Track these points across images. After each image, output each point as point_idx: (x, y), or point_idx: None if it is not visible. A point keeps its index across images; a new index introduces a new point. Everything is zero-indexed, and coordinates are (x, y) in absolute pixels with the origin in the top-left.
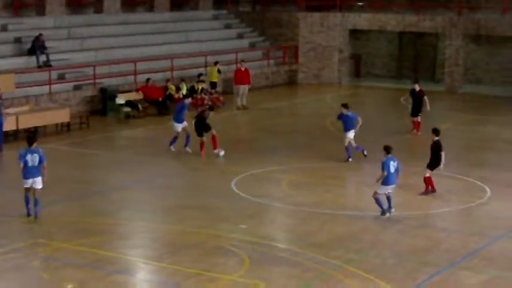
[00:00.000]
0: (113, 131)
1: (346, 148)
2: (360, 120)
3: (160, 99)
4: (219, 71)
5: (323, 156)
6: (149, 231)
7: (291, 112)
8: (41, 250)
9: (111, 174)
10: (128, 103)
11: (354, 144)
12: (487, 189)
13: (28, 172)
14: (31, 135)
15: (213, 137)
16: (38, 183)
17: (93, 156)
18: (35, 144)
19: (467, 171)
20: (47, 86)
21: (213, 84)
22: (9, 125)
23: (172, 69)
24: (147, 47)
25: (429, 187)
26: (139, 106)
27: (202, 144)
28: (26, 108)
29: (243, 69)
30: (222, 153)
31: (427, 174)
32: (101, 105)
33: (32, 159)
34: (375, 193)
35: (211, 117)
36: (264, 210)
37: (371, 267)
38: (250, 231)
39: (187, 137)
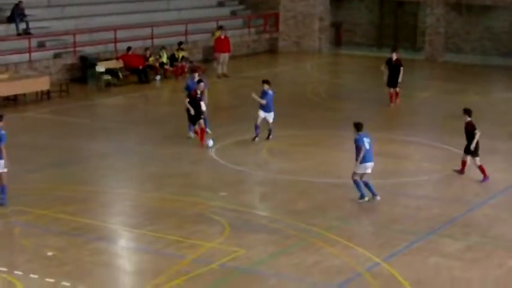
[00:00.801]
0: (93, 99)
1: (256, 126)
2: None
3: (140, 67)
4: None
5: (303, 124)
6: (129, 198)
7: (271, 80)
8: (21, 218)
9: (91, 142)
10: (108, 71)
11: (258, 121)
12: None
13: None
14: None
15: (201, 130)
16: None
17: (73, 124)
18: (1, 123)
19: (447, 140)
20: (27, 54)
21: None
22: None
23: (152, 37)
24: (128, 15)
25: (485, 174)
26: (120, 74)
27: (198, 132)
28: (5, 76)
29: (223, 37)
30: (211, 142)
31: (478, 162)
32: (81, 73)
33: None
34: (354, 174)
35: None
36: (244, 178)
37: (351, 234)
38: (230, 198)
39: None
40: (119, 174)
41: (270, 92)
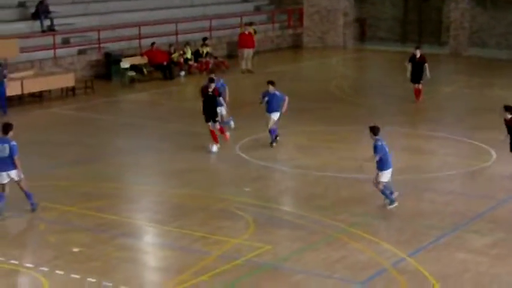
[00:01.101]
0: (118, 95)
1: (270, 131)
2: (287, 100)
3: (165, 63)
4: (254, 32)
5: (328, 119)
6: (154, 194)
7: (295, 76)
8: (46, 214)
9: (116, 138)
10: (133, 67)
11: (271, 126)
12: (492, 152)
13: None
14: (6, 124)
15: (221, 129)
16: (14, 176)
17: (98, 120)
18: (11, 133)
19: (472, 134)
20: (52, 51)
21: None
22: (14, 90)
23: (176, 33)
24: (152, 11)
25: None
26: (144, 70)
27: (213, 131)
28: (30, 72)
29: (247, 32)
30: (214, 148)
31: None
32: (106, 70)
33: (2, 149)
34: (380, 184)
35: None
36: (269, 173)
37: (376, 230)
38: (255, 194)
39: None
40: (143, 170)
41: (278, 93)
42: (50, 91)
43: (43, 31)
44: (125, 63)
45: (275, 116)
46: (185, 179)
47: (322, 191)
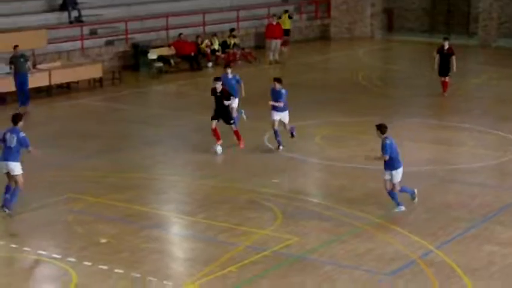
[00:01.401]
0: (145, 86)
1: (291, 130)
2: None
3: (192, 54)
4: (289, 17)
5: (355, 110)
6: (182, 185)
7: (323, 66)
8: (74, 205)
9: (143, 129)
10: (160, 58)
11: (275, 125)
12: None
13: (3, 152)
14: (16, 114)
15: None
16: (12, 169)
17: (126, 111)
18: (20, 123)
19: (500, 125)
20: (79, 42)
21: (287, 32)
22: (41, 81)
23: (204, 24)
24: (179, 2)
25: None
26: (172, 61)
27: (237, 134)
28: (58, 63)
29: (274, 23)
30: (218, 148)
31: None
32: (133, 61)
33: (10, 138)
34: (397, 186)
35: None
36: (297, 164)
37: (404, 222)
38: (283, 185)
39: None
40: (171, 161)
41: (283, 91)
42: (77, 82)
43: (71, 22)
44: (153, 54)
45: (284, 117)
46: (213, 170)
47: (350, 183)
